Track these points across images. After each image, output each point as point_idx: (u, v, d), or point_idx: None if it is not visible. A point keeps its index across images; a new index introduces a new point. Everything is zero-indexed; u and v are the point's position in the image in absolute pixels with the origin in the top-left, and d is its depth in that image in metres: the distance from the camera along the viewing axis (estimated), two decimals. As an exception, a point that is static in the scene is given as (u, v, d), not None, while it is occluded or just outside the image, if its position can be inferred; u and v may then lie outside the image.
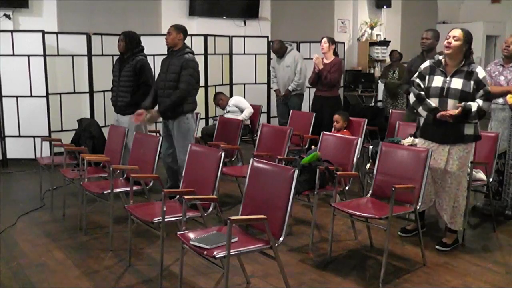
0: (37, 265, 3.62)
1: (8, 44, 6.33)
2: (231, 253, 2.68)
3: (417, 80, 3.81)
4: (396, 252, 3.82)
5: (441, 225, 4.25)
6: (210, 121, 7.96)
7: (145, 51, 5.28)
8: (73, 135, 5.84)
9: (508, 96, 4.29)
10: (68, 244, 4.01)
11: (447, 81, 3.65)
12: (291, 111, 6.38)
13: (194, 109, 4.89)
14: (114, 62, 5.45)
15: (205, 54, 7.84)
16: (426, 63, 3.85)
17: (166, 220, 3.23)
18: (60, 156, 5.15)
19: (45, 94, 6.44)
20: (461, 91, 3.59)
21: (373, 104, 10.02)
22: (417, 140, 4.07)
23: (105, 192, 3.96)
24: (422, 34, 5.34)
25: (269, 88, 8.47)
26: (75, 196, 5.07)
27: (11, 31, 6.43)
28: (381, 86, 9.77)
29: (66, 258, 3.74)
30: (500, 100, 4.75)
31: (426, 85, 3.76)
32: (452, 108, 3.61)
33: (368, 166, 4.65)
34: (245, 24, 8.89)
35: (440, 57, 3.74)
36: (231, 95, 7.83)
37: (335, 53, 6.29)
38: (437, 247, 3.87)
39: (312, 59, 6.34)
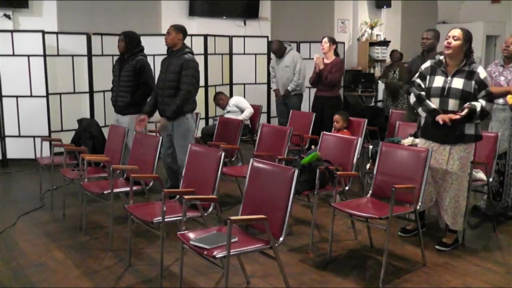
0: (37, 265, 3.62)
1: (8, 44, 6.34)
2: (231, 253, 2.68)
3: (418, 81, 3.82)
4: (396, 252, 3.82)
5: (441, 225, 4.25)
6: (210, 121, 7.96)
7: (145, 51, 5.29)
8: (73, 135, 5.85)
9: (508, 96, 4.29)
10: (68, 244, 4.01)
11: (448, 81, 3.66)
12: (291, 111, 6.38)
13: (194, 109, 4.89)
14: (114, 62, 5.45)
15: (205, 54, 7.84)
16: (427, 63, 3.85)
17: (166, 220, 3.23)
18: (60, 156, 5.15)
19: (45, 94, 6.44)
20: (462, 91, 3.59)
21: (373, 104, 10.01)
22: (417, 140, 4.07)
23: (105, 192, 3.96)
24: (422, 34, 5.34)
25: (269, 88, 8.47)
26: (75, 196, 5.07)
27: (11, 31, 6.43)
28: (381, 86, 9.77)
29: (66, 258, 3.74)
30: (501, 101, 4.75)
31: (427, 85, 3.76)
32: (453, 107, 3.61)
33: (368, 166, 4.65)
34: (245, 24, 8.89)
35: (441, 57, 3.74)
36: (231, 95, 7.84)
37: (336, 53, 6.28)
38: (437, 247, 3.87)
39: (312, 59, 6.33)
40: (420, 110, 3.75)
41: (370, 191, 3.86)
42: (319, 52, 6.33)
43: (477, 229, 4.40)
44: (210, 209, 3.43)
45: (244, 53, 8.58)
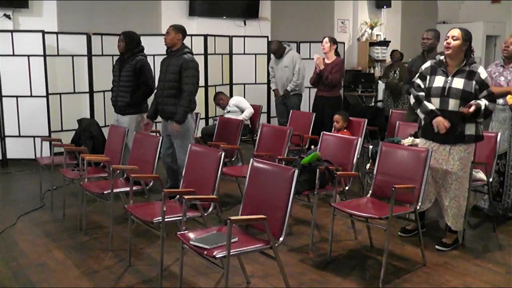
0: (37, 265, 3.62)
1: (8, 44, 6.33)
2: (231, 253, 2.68)
3: (418, 81, 3.82)
4: (396, 252, 3.82)
5: (441, 225, 4.25)
6: (210, 121, 7.96)
7: (145, 51, 5.28)
8: (73, 135, 5.84)
9: (508, 96, 4.29)
10: (68, 244, 4.01)
11: (449, 81, 3.66)
12: (291, 111, 6.38)
13: (194, 109, 4.89)
14: (114, 62, 5.45)
15: (205, 54, 7.84)
16: (427, 64, 3.85)
17: (166, 220, 3.23)
18: (60, 156, 5.15)
19: (45, 94, 6.44)
20: (463, 90, 3.59)
21: (373, 104, 10.01)
22: (417, 140, 4.07)
23: (105, 192, 3.96)
24: (422, 34, 5.33)
25: (269, 88, 8.47)
26: (75, 196, 5.07)
27: (11, 31, 6.42)
28: (381, 86, 9.77)
29: (66, 258, 3.74)
30: (501, 101, 4.74)
31: (427, 85, 3.76)
32: (454, 107, 3.62)
33: (368, 166, 4.65)
34: (245, 24, 8.88)
35: (441, 57, 3.74)
36: (231, 95, 7.83)
37: (337, 53, 6.26)
38: (437, 247, 3.87)
39: (312, 59, 6.33)
40: (418, 111, 3.77)
41: (370, 191, 3.86)
42: (319, 52, 6.33)
43: (477, 229, 4.40)
44: (210, 209, 3.43)
45: (244, 53, 8.58)
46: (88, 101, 6.99)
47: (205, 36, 7.84)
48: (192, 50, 4.91)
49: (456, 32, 3.63)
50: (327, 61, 6.14)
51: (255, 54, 8.63)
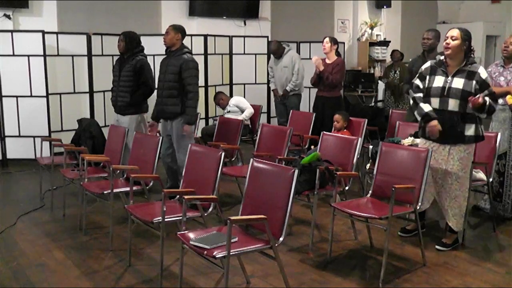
0: (37, 265, 3.62)
1: (8, 44, 6.34)
2: (231, 253, 2.68)
3: (416, 82, 3.83)
4: (396, 252, 3.82)
5: (441, 225, 4.25)
6: (210, 121, 7.96)
7: (145, 51, 5.28)
8: (73, 135, 5.84)
9: (508, 96, 4.29)
10: (68, 244, 4.01)
11: (448, 81, 3.66)
12: (291, 111, 6.38)
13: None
14: (114, 62, 5.45)
15: (205, 54, 7.85)
16: (427, 64, 3.86)
17: (166, 220, 3.23)
18: (60, 156, 5.15)
19: (45, 94, 6.44)
20: (462, 90, 3.59)
21: (373, 104, 10.02)
22: (417, 140, 4.07)
23: (105, 192, 3.96)
24: (423, 34, 5.32)
25: (269, 88, 8.47)
26: (75, 196, 5.07)
27: (11, 31, 6.43)
28: (381, 86, 9.78)
29: (66, 258, 3.74)
30: (500, 101, 4.74)
31: (427, 85, 3.76)
32: (453, 107, 3.62)
33: (368, 166, 4.65)
34: (245, 24, 8.89)
35: (442, 57, 3.74)
36: (231, 95, 7.84)
37: (338, 53, 6.24)
38: (437, 247, 3.87)
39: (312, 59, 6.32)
40: (415, 113, 3.79)
41: (370, 191, 3.86)
42: (319, 53, 6.32)
43: (477, 229, 4.40)
44: (210, 209, 3.43)
45: (244, 53, 8.58)
46: (88, 101, 6.99)
47: (205, 36, 7.84)
48: (191, 50, 4.91)
49: (455, 32, 3.63)
50: (328, 61, 6.13)
51: (255, 54, 8.63)
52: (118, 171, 4.54)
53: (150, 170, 4.10)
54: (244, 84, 8.65)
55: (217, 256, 2.66)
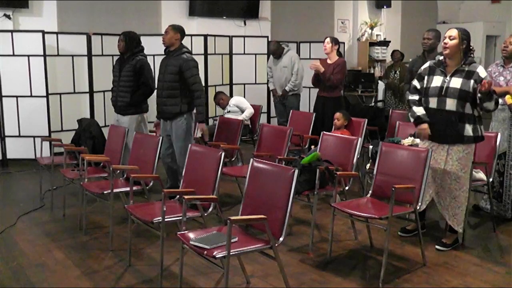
0: (37, 265, 3.62)
1: (8, 44, 6.33)
2: (231, 253, 2.68)
3: (414, 83, 3.86)
4: (396, 252, 3.82)
5: (441, 225, 4.25)
6: (210, 121, 7.96)
7: (145, 51, 5.28)
8: (73, 135, 5.84)
9: (507, 96, 4.29)
10: (68, 244, 4.01)
11: (447, 81, 3.66)
12: (291, 111, 6.37)
13: (192, 109, 4.89)
14: (114, 62, 5.45)
15: (205, 54, 7.85)
16: (426, 64, 3.88)
17: (166, 220, 3.23)
18: (60, 156, 5.15)
19: (45, 94, 6.44)
20: (460, 90, 3.60)
21: (373, 104, 10.02)
22: (417, 140, 4.07)
23: (105, 192, 3.96)
24: (423, 34, 5.32)
25: (269, 88, 8.47)
26: (75, 196, 5.07)
27: (11, 31, 6.43)
28: (381, 86, 9.78)
29: (66, 258, 3.74)
30: (500, 101, 4.74)
31: (425, 85, 3.77)
32: (451, 107, 3.62)
33: (368, 166, 4.65)
34: (245, 24, 8.89)
35: (441, 58, 3.74)
36: (231, 95, 7.84)
37: (339, 53, 6.21)
38: (437, 247, 3.87)
39: (312, 59, 6.31)
40: (409, 115, 3.84)
41: (370, 191, 3.86)
42: (319, 53, 6.30)
43: (477, 229, 4.40)
44: (210, 209, 3.43)
45: (244, 53, 8.59)
46: (88, 101, 6.99)
47: (205, 36, 7.85)
48: (191, 50, 4.91)
49: (453, 32, 3.64)
50: (329, 61, 6.08)
51: (255, 54, 8.63)
52: (118, 171, 4.54)
53: (150, 170, 4.10)
54: (244, 84, 8.65)
55: (217, 256, 2.66)
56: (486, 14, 11.72)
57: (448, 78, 3.67)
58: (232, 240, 2.78)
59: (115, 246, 3.90)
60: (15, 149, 6.54)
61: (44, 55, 6.38)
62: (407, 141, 4.32)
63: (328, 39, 6.11)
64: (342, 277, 3.42)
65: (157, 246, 3.84)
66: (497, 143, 4.27)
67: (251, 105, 6.66)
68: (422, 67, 3.88)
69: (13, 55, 6.37)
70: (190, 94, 4.78)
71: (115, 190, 3.91)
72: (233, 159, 5.21)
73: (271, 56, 7.26)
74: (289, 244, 3.96)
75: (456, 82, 3.62)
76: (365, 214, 3.54)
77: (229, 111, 6.68)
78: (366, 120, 5.52)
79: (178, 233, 3.00)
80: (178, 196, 3.81)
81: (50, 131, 6.51)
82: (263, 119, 7.64)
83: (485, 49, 11.52)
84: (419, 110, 3.73)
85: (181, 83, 4.73)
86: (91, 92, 7.00)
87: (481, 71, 3.62)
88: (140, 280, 3.38)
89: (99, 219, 4.56)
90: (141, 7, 7.88)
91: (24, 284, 3.33)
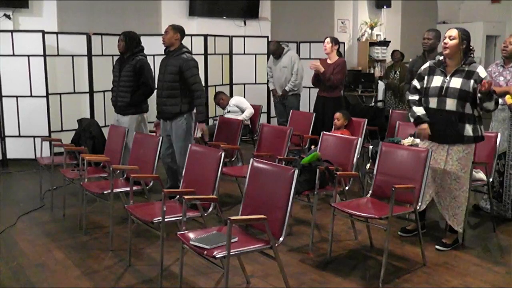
0: (37, 265, 3.62)
1: (8, 44, 6.33)
2: (231, 253, 2.68)
3: (414, 83, 3.86)
4: (396, 252, 3.82)
5: (441, 225, 4.25)
6: (210, 121, 7.96)
7: (145, 51, 5.28)
8: (73, 135, 5.84)
9: (507, 96, 4.29)
10: (68, 244, 4.01)
11: (447, 81, 3.66)
12: (291, 111, 6.37)
13: (192, 109, 4.89)
14: (114, 62, 5.45)
15: (205, 54, 7.85)
16: (426, 64, 3.88)
17: (166, 220, 3.23)
18: (60, 156, 5.15)
19: (45, 94, 6.44)
20: (460, 90, 3.60)
21: (373, 104, 10.02)
22: (417, 140, 4.07)
23: (105, 192, 3.96)
24: (423, 34, 5.31)
25: (269, 88, 8.47)
26: (75, 196, 5.07)
27: (11, 31, 6.43)
28: (381, 86, 9.78)
29: (66, 258, 3.74)
30: (500, 101, 4.74)
31: (425, 85, 3.77)
32: (451, 107, 3.62)
33: (368, 166, 4.65)
34: (245, 24, 8.89)
35: (441, 58, 3.75)
36: (231, 95, 7.84)
37: (339, 53, 6.21)
38: (437, 247, 3.87)
39: (312, 59, 6.31)
40: (409, 115, 3.84)
41: (370, 191, 3.86)
42: (320, 52, 6.29)
43: (477, 229, 4.40)
44: (210, 209, 3.43)
45: (244, 53, 8.58)
46: (88, 101, 6.99)
47: (205, 36, 7.85)
48: (191, 50, 4.91)
49: (453, 32, 3.64)
50: (329, 61, 6.08)
51: (255, 54, 8.63)
52: (118, 171, 4.54)
53: (150, 170, 4.10)
54: (244, 84, 8.65)
55: (217, 256, 2.66)
56: (486, 14, 11.72)
57: (448, 78, 3.67)
58: (232, 240, 2.78)
59: (115, 246, 3.90)
60: (15, 149, 6.54)
61: (44, 55, 6.38)
62: (407, 141, 4.32)
63: (328, 39, 6.11)
64: (342, 277, 3.42)
65: (157, 246, 3.84)
66: (497, 143, 4.27)
67: (251, 105, 6.66)
68: (422, 67, 3.88)
69: (13, 55, 6.37)
70: (190, 94, 4.78)
71: (115, 190, 3.91)
72: (233, 159, 5.21)
73: (271, 56, 7.26)
74: (289, 244, 3.96)
75: (456, 82, 3.62)
76: (365, 214, 3.54)
77: (229, 111, 6.68)
78: (366, 120, 5.52)
79: (178, 233, 3.00)
80: (178, 196, 3.81)
81: (50, 131, 6.51)
82: (263, 119, 7.64)
83: (485, 49, 11.52)
84: (419, 110, 3.73)
85: (181, 83, 4.73)
86: (91, 92, 7.00)
87: (481, 71, 3.62)
88: (140, 280, 3.38)
89: (99, 219, 4.56)
90: (141, 7, 7.88)
91: (24, 284, 3.33)
